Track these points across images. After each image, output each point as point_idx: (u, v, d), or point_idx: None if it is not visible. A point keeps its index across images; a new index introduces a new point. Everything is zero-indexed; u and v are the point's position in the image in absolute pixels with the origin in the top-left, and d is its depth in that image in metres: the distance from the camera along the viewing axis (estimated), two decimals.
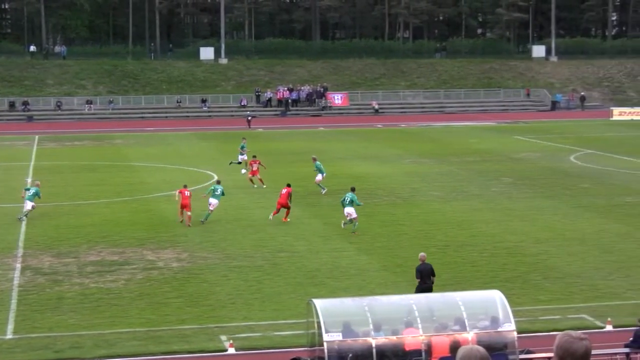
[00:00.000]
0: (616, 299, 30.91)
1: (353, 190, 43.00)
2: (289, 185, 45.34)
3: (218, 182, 46.27)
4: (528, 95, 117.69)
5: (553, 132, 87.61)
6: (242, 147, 62.05)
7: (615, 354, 25.28)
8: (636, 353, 25.25)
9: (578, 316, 29.20)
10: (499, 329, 24.23)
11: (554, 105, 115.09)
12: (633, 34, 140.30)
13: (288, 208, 44.52)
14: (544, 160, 66.06)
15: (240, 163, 60.73)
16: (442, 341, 23.78)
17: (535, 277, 33.68)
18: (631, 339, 25.37)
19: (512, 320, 24.11)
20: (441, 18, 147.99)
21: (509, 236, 40.66)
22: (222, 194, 44.59)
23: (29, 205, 44.89)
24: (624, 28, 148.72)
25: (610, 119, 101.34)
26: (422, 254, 30.50)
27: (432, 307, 25.36)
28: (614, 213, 45.89)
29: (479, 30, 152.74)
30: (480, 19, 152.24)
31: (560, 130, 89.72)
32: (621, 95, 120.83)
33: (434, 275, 29.66)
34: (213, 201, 44.22)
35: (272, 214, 44.27)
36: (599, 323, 28.31)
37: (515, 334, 24.08)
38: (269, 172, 56.12)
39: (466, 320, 23.98)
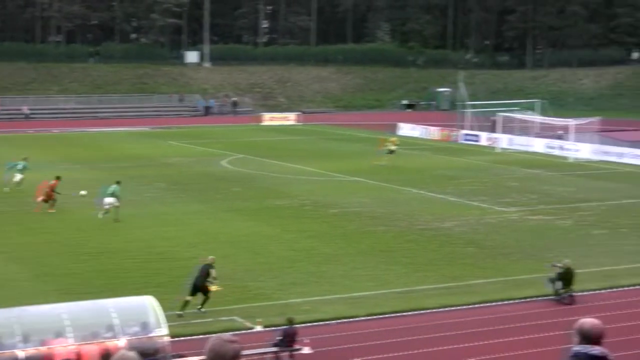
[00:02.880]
0: (266, 300, 31.68)
1: (118, 183, 46.38)
2: (58, 178, 48.10)
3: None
4: (182, 100, 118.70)
5: (206, 137, 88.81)
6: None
7: (265, 353, 25.95)
8: (283, 351, 26.06)
9: (230, 318, 29.60)
10: (150, 334, 24.24)
11: (207, 111, 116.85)
12: (283, 41, 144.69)
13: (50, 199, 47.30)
14: (197, 165, 66.80)
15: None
16: (92, 349, 23.46)
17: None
18: (279, 337, 26.12)
19: (164, 324, 24.19)
20: (95, 22, 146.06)
21: (163, 241, 40.74)
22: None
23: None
24: (274, 36, 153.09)
25: (262, 124, 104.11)
26: (211, 256, 31.48)
27: (83, 316, 24.96)
28: (264, 216, 47.10)
29: (134, 35, 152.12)
30: (135, 24, 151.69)
31: (213, 135, 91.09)
32: (272, 101, 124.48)
33: (208, 276, 30.22)
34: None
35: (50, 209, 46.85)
36: (249, 324, 28.88)
37: (166, 338, 24.18)
38: None
39: (117, 327, 23.82)
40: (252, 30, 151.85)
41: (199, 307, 30.10)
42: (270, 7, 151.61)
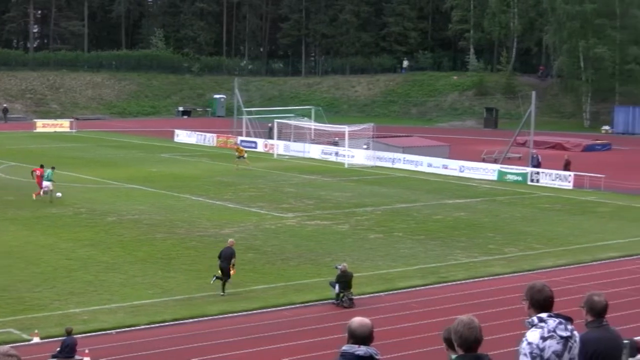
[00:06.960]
0: (43, 311, 30.84)
1: (53, 168, 53.52)
2: (42, 166, 53.45)
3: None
4: None
5: None
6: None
7: None
8: None
9: (5, 330, 28.66)
10: None
11: None
12: (55, 46, 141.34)
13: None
14: None
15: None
16: None
17: None
18: (58, 349, 25.50)
19: None
20: None
21: None
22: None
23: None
24: (45, 41, 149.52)
25: (34, 130, 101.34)
26: (230, 239, 36.19)
27: None
28: (39, 225, 45.92)
29: None
30: None
31: None
32: (44, 107, 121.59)
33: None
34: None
35: (36, 194, 52.38)
36: (25, 336, 28.01)
37: None
38: None
39: None
40: (22, 34, 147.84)
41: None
42: (40, 12, 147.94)
